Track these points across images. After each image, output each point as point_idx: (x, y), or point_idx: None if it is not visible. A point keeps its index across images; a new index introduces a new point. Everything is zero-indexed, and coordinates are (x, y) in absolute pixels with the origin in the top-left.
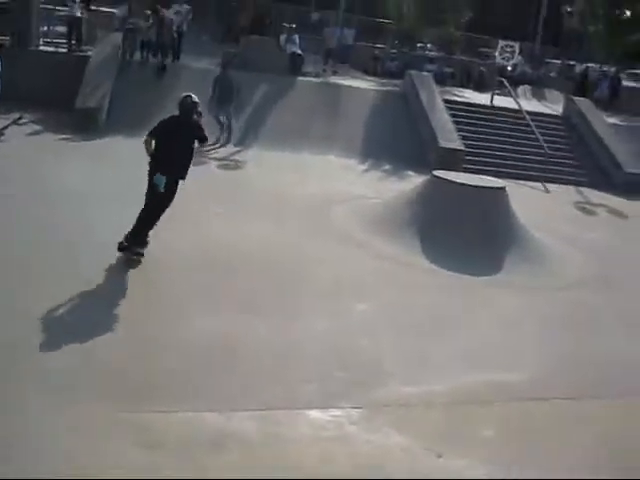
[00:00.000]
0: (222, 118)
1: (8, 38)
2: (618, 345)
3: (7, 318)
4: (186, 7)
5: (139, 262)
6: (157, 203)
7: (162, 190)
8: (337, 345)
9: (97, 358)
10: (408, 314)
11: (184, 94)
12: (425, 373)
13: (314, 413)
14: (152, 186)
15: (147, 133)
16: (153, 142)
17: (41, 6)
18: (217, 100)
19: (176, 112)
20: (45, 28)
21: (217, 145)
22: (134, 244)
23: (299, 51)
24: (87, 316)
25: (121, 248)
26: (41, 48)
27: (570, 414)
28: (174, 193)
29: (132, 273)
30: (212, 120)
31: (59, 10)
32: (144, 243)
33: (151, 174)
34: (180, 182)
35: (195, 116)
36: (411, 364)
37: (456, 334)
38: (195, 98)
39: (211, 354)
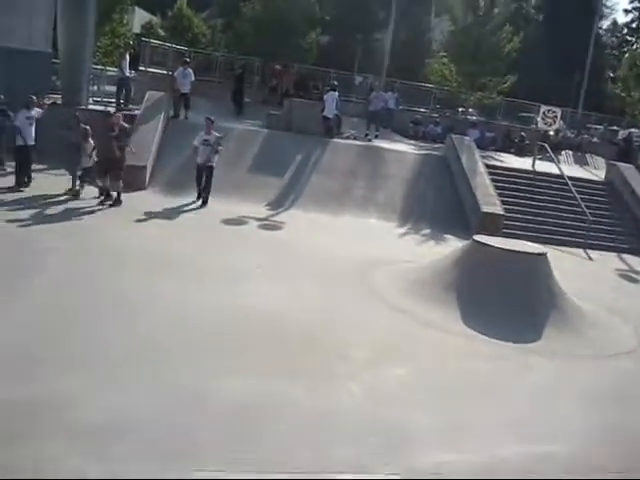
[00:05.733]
0: None
1: (60, 96)
2: None
3: None
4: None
5: None
6: None
7: None
8: (373, 410)
9: None
10: (446, 381)
11: None
12: (464, 441)
13: (349, 477)
14: None
15: None
16: None
17: (92, 67)
18: None
19: None
20: (95, 87)
21: None
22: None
23: (330, 115)
24: None
25: None
26: (90, 107)
27: None
28: None
29: (165, 328)
30: None
31: (108, 70)
32: None
33: None
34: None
35: None
36: (450, 432)
37: (496, 403)
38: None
39: (243, 415)
